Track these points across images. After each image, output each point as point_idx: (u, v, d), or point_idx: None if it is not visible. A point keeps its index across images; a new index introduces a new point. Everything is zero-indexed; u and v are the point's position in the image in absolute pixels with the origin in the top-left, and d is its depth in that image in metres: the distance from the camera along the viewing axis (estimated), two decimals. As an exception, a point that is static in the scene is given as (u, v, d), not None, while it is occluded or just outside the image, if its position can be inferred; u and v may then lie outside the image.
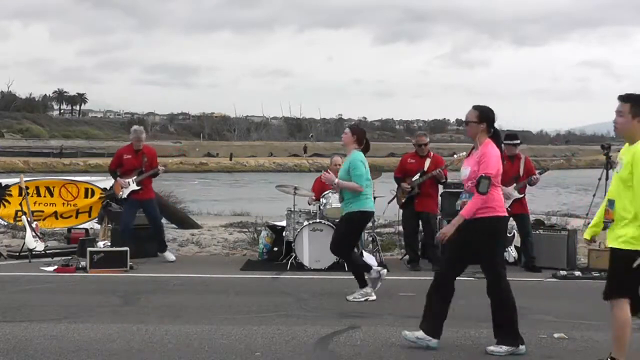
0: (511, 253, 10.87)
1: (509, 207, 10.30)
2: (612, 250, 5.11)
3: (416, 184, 10.43)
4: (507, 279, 5.96)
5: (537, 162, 11.57)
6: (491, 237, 5.86)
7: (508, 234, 10.76)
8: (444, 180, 10.40)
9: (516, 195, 10.30)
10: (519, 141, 10.67)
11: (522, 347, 5.81)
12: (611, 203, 5.10)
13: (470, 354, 5.86)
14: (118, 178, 10.87)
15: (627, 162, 5.00)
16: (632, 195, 4.95)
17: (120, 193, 10.83)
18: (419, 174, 10.44)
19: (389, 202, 10.96)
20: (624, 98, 5.06)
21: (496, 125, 5.99)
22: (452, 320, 7.02)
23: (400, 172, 10.72)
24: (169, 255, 10.98)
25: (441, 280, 6.05)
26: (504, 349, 5.77)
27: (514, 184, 10.30)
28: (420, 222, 10.68)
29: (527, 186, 10.49)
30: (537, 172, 10.58)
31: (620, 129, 5.08)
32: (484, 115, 5.95)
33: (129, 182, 10.73)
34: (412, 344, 5.89)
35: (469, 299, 7.47)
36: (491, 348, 5.81)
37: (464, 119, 6.11)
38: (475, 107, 6.00)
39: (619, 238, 5.01)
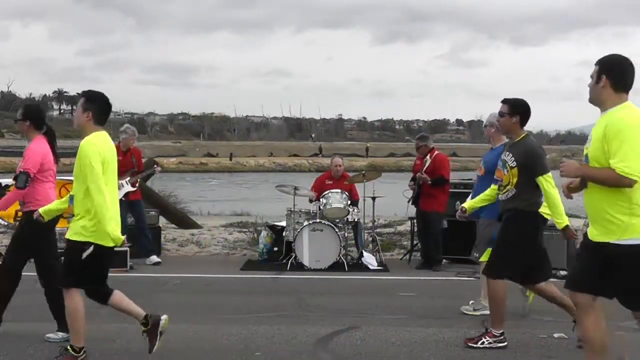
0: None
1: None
2: (67, 241, 5.39)
3: (416, 184, 10.47)
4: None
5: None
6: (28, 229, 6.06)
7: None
8: (429, 182, 10.31)
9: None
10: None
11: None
12: (71, 198, 5.42)
13: (470, 354, 5.86)
14: None
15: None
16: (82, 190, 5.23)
17: None
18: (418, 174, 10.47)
19: (408, 201, 10.90)
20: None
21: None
22: (452, 320, 7.04)
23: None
24: (154, 258, 10.68)
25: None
26: (59, 335, 6.03)
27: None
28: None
29: None
30: None
31: None
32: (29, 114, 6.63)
33: (122, 184, 10.62)
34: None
35: (469, 299, 7.48)
36: (49, 335, 6.07)
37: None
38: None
39: (73, 230, 5.32)
